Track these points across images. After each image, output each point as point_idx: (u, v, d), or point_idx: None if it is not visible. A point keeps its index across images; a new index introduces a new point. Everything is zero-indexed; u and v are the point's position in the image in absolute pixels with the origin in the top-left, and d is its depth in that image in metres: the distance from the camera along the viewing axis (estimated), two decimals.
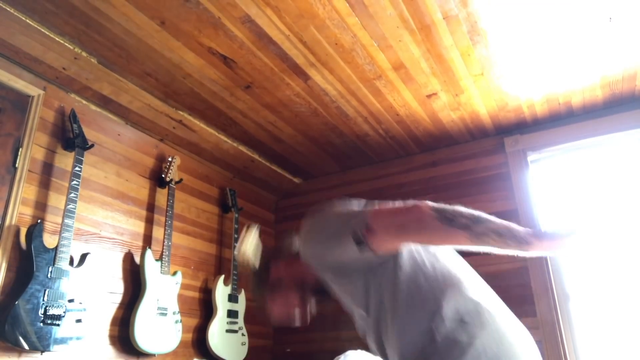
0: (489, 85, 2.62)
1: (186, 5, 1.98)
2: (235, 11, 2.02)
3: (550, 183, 3.01)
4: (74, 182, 2.25)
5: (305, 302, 1.43)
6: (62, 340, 2.06)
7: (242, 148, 3.24)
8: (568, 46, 2.32)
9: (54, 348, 2.02)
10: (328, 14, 2.05)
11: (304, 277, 1.40)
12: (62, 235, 2.14)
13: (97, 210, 2.51)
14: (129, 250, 2.63)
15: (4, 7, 1.95)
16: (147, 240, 2.75)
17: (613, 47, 2.34)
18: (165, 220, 2.76)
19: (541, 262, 2.78)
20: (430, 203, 1.07)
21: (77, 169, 2.28)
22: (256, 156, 3.38)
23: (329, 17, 2.07)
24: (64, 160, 2.38)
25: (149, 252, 2.61)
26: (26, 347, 1.92)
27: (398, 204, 1.14)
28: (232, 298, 3.08)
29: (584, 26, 2.19)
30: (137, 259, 2.64)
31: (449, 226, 1.03)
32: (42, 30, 2.09)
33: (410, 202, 1.09)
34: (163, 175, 2.87)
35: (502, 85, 2.63)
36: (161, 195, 2.89)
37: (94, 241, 2.45)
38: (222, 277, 3.08)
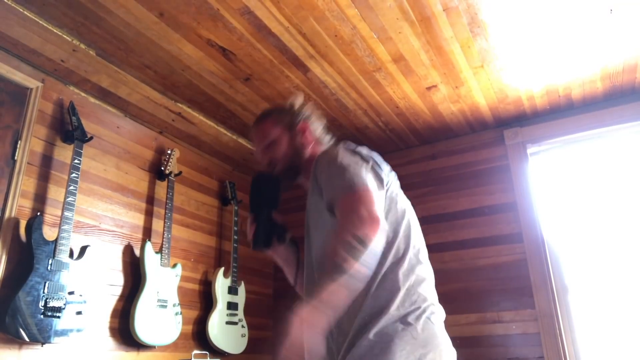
0: (488, 78, 2.61)
1: None
2: (234, 3, 2.01)
3: (550, 175, 3.01)
4: (74, 174, 2.25)
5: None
6: (63, 332, 2.07)
7: (241, 140, 3.24)
8: (568, 38, 2.31)
9: (55, 340, 2.03)
10: (327, 6, 2.04)
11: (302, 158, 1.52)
12: (62, 227, 2.14)
13: (97, 202, 2.51)
14: (129, 242, 2.64)
15: None
16: (147, 233, 2.76)
17: (613, 39, 2.33)
18: (165, 212, 2.77)
19: (540, 254, 2.79)
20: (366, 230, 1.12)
21: (76, 161, 2.28)
22: None
23: (328, 9, 2.06)
24: (63, 152, 2.38)
25: (148, 245, 2.61)
26: (27, 338, 1.93)
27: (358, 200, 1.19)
28: (232, 290, 3.09)
29: (584, 18, 2.18)
30: (137, 252, 2.64)
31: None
32: (41, 22, 2.08)
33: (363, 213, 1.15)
34: (162, 168, 2.87)
35: (502, 78, 2.62)
36: (161, 187, 2.89)
37: (94, 234, 2.45)
38: (222, 269, 3.09)
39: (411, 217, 1.39)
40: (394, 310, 1.20)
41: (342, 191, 1.23)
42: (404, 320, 1.19)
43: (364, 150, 1.41)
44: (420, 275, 1.28)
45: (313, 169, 1.41)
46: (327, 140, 1.62)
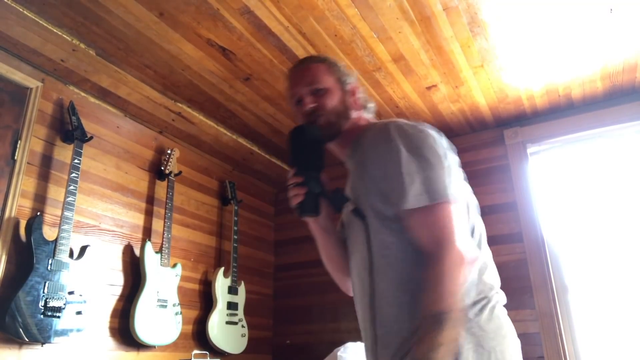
0: (488, 77, 2.61)
1: None
2: (234, 2, 2.00)
3: (550, 175, 3.01)
4: (73, 174, 2.25)
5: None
6: (63, 332, 2.07)
7: (241, 140, 3.24)
8: (568, 38, 2.31)
9: (55, 340, 2.03)
10: (327, 5, 2.04)
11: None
12: (62, 227, 2.14)
13: (97, 202, 2.51)
14: (129, 242, 2.64)
15: None
16: (147, 233, 2.76)
17: (613, 39, 2.33)
18: (165, 212, 2.77)
19: (540, 254, 2.78)
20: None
21: (76, 161, 2.28)
22: (255, 148, 3.37)
23: (328, 8, 2.06)
24: (63, 152, 2.38)
25: (148, 245, 2.61)
26: (27, 338, 1.93)
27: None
28: (232, 290, 3.09)
29: (584, 17, 2.18)
30: (137, 252, 2.64)
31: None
32: (40, 22, 2.08)
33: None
34: (162, 168, 2.86)
35: (502, 77, 2.62)
36: (160, 187, 2.89)
37: (94, 233, 2.45)
38: (222, 269, 3.09)
39: (470, 199, 1.22)
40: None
41: (417, 201, 1.05)
42: (470, 311, 1.07)
43: (433, 131, 1.18)
44: (484, 262, 1.16)
45: (357, 144, 1.23)
46: (370, 116, 1.39)
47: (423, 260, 1.05)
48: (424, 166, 1.09)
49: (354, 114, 1.33)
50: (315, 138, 1.25)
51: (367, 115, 1.37)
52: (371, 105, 1.40)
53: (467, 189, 1.24)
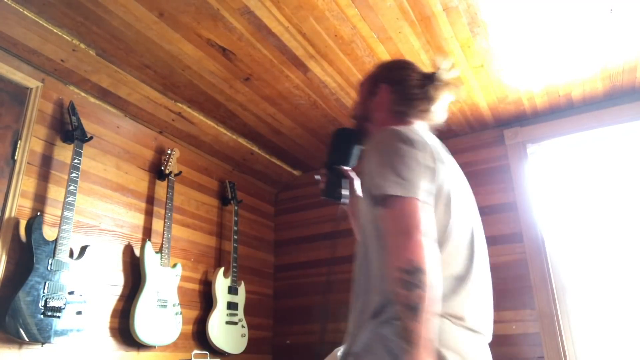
0: (488, 77, 2.61)
1: None
2: (234, 2, 2.00)
3: (550, 175, 3.01)
4: (73, 174, 2.25)
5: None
6: (63, 332, 2.07)
7: (241, 140, 3.24)
8: (568, 38, 2.31)
9: (55, 340, 2.03)
10: (327, 5, 2.04)
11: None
12: (62, 227, 2.14)
13: (97, 202, 2.51)
14: (129, 242, 2.64)
15: None
16: (147, 233, 2.76)
17: (613, 39, 2.33)
18: (165, 212, 2.77)
19: (540, 254, 2.78)
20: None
21: (76, 161, 2.28)
22: (255, 148, 3.37)
23: (328, 9, 2.06)
24: (63, 152, 2.38)
25: (148, 245, 2.61)
26: (27, 338, 1.93)
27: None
28: (232, 290, 3.09)
29: (584, 18, 2.18)
30: (137, 252, 2.64)
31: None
32: (40, 22, 2.08)
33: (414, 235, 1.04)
34: (162, 168, 2.86)
35: (502, 77, 2.62)
36: (161, 187, 2.89)
37: (94, 233, 2.45)
38: (222, 269, 3.09)
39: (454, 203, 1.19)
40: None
41: (382, 196, 1.09)
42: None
43: (424, 135, 1.23)
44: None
45: (368, 144, 1.27)
46: (409, 120, 1.35)
47: None
48: (390, 163, 1.13)
49: (376, 117, 1.40)
50: (339, 138, 1.56)
51: (396, 118, 1.35)
52: (410, 114, 1.35)
53: (457, 190, 1.24)
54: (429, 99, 1.35)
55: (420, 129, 1.31)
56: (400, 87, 1.37)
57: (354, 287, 1.26)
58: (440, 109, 1.38)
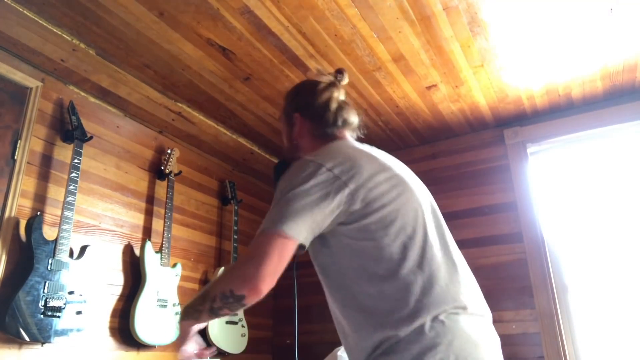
0: (488, 77, 2.61)
1: None
2: (234, 2, 2.00)
3: (550, 175, 3.01)
4: (73, 174, 2.25)
5: None
6: (63, 332, 2.07)
7: (241, 140, 3.24)
8: (568, 37, 2.31)
9: (55, 340, 2.03)
10: (327, 5, 2.04)
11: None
12: (62, 227, 2.14)
13: (97, 202, 2.51)
14: (129, 242, 2.64)
15: None
16: (147, 233, 2.76)
17: (613, 39, 2.33)
18: (165, 212, 2.77)
19: (540, 254, 2.78)
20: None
21: (76, 161, 2.28)
22: (255, 148, 3.37)
23: (328, 8, 2.06)
24: (63, 152, 2.38)
25: (148, 244, 2.61)
26: (27, 338, 1.93)
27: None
28: None
29: (584, 17, 2.18)
30: (137, 251, 2.64)
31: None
32: (40, 21, 2.08)
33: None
34: (162, 168, 2.86)
35: (502, 77, 2.62)
36: (160, 187, 2.89)
37: (94, 233, 2.45)
38: (222, 269, 3.08)
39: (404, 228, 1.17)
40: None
41: (261, 225, 1.13)
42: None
43: (350, 150, 1.24)
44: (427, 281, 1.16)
45: None
46: (337, 136, 1.37)
47: (362, 275, 1.14)
48: (281, 201, 1.13)
49: (304, 143, 1.40)
50: (281, 172, 1.40)
51: (319, 140, 1.37)
52: (331, 131, 1.37)
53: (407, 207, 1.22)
54: (338, 109, 1.38)
55: (350, 141, 1.34)
56: (309, 110, 1.39)
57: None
58: (351, 114, 1.41)
